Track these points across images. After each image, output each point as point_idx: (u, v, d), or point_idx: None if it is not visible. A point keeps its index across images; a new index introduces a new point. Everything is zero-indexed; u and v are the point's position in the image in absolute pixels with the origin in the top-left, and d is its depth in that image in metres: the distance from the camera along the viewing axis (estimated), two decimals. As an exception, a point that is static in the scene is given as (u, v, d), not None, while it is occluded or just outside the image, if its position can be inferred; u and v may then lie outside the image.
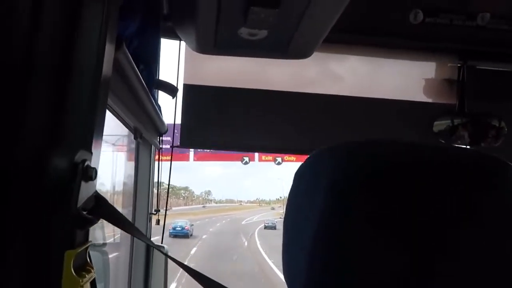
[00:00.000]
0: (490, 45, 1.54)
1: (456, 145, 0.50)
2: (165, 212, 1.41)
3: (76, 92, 0.46)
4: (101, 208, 0.47)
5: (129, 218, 1.33)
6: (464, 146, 0.45)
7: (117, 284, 1.32)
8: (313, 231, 0.46)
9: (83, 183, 0.43)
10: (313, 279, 0.46)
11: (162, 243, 1.37)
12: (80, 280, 0.43)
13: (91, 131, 0.47)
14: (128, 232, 0.55)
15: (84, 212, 0.44)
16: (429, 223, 0.45)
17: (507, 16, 1.46)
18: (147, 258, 1.31)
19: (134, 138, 1.04)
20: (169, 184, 1.42)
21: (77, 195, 0.42)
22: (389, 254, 0.44)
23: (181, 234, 22.89)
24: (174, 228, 22.79)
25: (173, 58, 1.50)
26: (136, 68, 0.75)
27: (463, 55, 1.59)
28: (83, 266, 0.45)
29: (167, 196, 1.47)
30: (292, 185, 0.53)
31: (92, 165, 0.46)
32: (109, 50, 0.51)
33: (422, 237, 0.44)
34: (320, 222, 0.45)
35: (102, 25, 0.49)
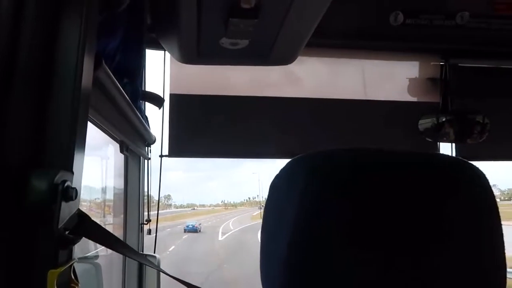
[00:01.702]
0: (470, 43, 1.57)
1: (422, 152, 0.52)
2: (157, 222, 1.42)
3: (55, 113, 0.47)
4: (84, 226, 0.48)
5: (121, 229, 1.34)
6: (432, 153, 0.47)
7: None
8: (287, 239, 0.47)
9: (63, 203, 0.43)
10: (288, 285, 0.47)
11: (154, 252, 1.38)
12: None
13: (72, 151, 0.48)
14: (113, 249, 0.56)
15: (67, 232, 0.45)
16: (399, 226, 0.46)
17: (485, 14, 1.50)
18: (140, 267, 1.32)
19: (121, 152, 1.05)
20: (159, 194, 1.43)
21: (58, 216, 0.42)
22: (363, 258, 0.45)
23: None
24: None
25: (161, 69, 1.51)
26: (118, 83, 0.76)
27: (445, 54, 1.62)
28: (67, 284, 0.46)
29: (158, 207, 1.48)
30: (268, 195, 0.54)
31: (74, 184, 0.47)
32: (87, 68, 0.51)
33: (393, 240, 0.46)
34: (294, 229, 0.47)
35: (79, 44, 0.50)
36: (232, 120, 1.51)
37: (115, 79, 0.71)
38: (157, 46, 1.29)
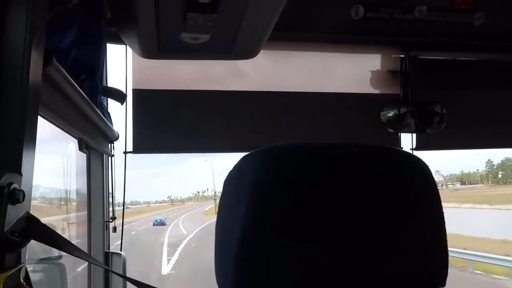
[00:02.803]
0: (429, 36, 1.62)
1: (364, 144, 0.54)
2: (122, 220, 1.40)
3: (1, 114, 0.46)
4: (32, 229, 0.47)
5: (85, 227, 1.31)
6: (372, 145, 0.49)
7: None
8: (239, 234, 0.48)
9: (10, 206, 0.43)
10: (241, 281, 0.48)
11: (121, 250, 1.36)
12: None
13: (20, 152, 0.47)
14: (64, 251, 0.55)
15: (15, 235, 0.44)
16: (346, 219, 0.48)
17: (442, 8, 1.55)
18: (106, 265, 1.30)
19: (80, 149, 1.02)
20: (124, 191, 1.41)
21: (3, 219, 0.42)
22: (311, 251, 0.47)
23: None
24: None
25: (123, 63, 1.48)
26: (74, 80, 0.74)
27: (405, 47, 1.67)
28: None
29: (123, 204, 1.46)
30: (222, 191, 0.55)
31: (23, 186, 0.46)
32: (35, 66, 0.50)
33: (341, 232, 0.48)
34: (245, 224, 0.48)
35: (25, 42, 0.49)
36: (196, 114, 1.50)
37: (68, 76, 0.70)
38: (118, 40, 1.26)
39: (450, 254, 0.54)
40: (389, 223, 0.49)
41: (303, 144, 0.52)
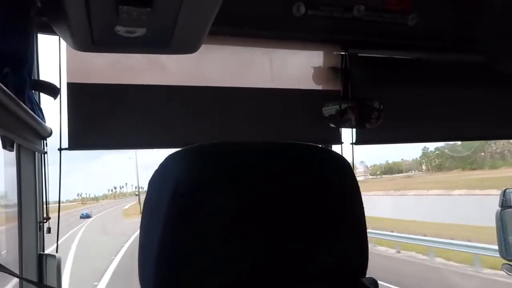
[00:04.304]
0: (367, 35, 1.69)
1: (288, 142, 0.56)
2: (58, 220, 1.34)
3: None
4: None
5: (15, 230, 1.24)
6: (296, 142, 0.52)
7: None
8: (159, 234, 0.48)
9: None
10: (162, 281, 0.48)
11: (57, 251, 1.30)
12: None
13: None
14: None
15: None
16: (264, 216, 0.50)
17: (379, 8, 1.62)
18: (39, 266, 1.24)
19: (3, 147, 0.96)
20: (59, 190, 1.34)
21: None
22: (232, 249, 0.48)
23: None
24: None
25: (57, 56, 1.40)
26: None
27: (345, 44, 1.72)
28: None
29: (59, 203, 1.40)
30: (147, 191, 0.55)
31: None
32: None
33: (259, 229, 0.49)
34: (166, 224, 0.48)
35: None
36: (136, 110, 1.46)
37: None
38: (50, 31, 1.20)
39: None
40: (311, 218, 0.51)
41: (226, 143, 0.53)
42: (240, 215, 0.49)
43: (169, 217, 0.47)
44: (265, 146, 0.54)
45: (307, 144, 0.56)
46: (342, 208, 0.54)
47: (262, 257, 0.49)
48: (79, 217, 31.27)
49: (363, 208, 0.56)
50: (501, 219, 1.90)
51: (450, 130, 1.96)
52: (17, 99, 0.84)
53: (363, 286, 0.55)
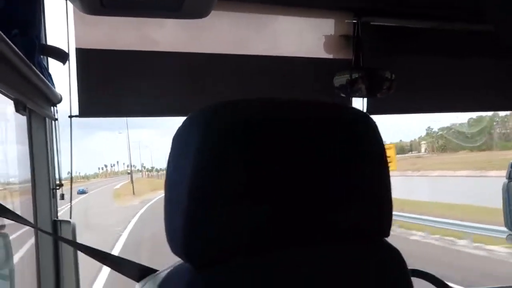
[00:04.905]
0: (380, 2, 1.64)
1: (323, 103, 0.56)
2: (71, 186, 1.35)
3: None
4: None
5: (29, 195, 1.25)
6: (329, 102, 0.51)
7: (24, 265, 1.26)
8: (187, 189, 0.49)
9: None
10: (190, 234, 0.49)
11: (70, 217, 1.32)
12: None
13: None
14: (10, 219, 0.53)
15: None
16: (293, 178, 0.49)
17: None
18: (54, 234, 1.26)
19: (16, 111, 0.95)
20: (71, 157, 1.34)
21: None
22: (256, 210, 0.48)
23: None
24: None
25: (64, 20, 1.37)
26: (3, 34, 0.68)
27: (358, 12, 1.68)
28: None
29: (71, 169, 1.40)
30: (170, 149, 0.55)
31: None
32: None
33: (285, 188, 0.49)
34: (191, 184, 0.48)
35: None
36: (146, 77, 1.44)
37: None
38: None
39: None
40: (337, 180, 0.51)
41: (249, 101, 0.52)
42: (266, 173, 0.48)
43: (195, 176, 0.48)
44: (291, 103, 0.54)
45: (334, 103, 0.55)
46: (368, 167, 0.53)
47: (286, 217, 0.49)
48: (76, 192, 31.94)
49: (388, 168, 0.55)
50: (507, 191, 1.91)
51: (462, 101, 1.93)
52: (28, 61, 0.83)
53: (387, 246, 0.56)
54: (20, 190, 1.35)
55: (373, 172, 0.54)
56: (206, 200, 0.48)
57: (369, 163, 0.54)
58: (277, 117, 0.51)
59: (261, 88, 1.58)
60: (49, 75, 1.19)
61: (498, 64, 1.86)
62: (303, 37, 1.68)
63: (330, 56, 1.73)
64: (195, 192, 0.48)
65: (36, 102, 1.06)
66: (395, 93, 1.71)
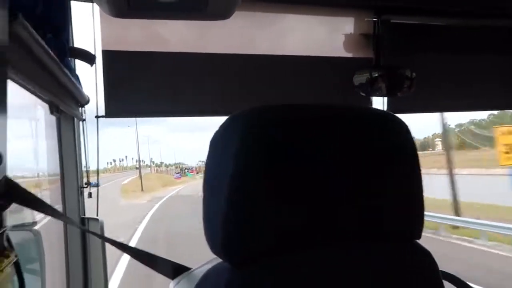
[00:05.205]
0: (402, 0, 1.63)
1: (353, 106, 0.57)
2: (97, 185, 1.38)
3: None
4: (11, 192, 0.46)
5: (59, 194, 1.29)
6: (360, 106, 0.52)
7: (53, 260, 1.29)
8: (226, 193, 0.50)
9: None
10: (229, 234, 0.50)
11: (97, 215, 1.35)
12: None
13: None
14: (44, 213, 0.55)
15: None
16: (325, 178, 0.50)
17: None
18: (83, 232, 1.29)
19: (51, 113, 0.99)
20: (98, 156, 1.38)
21: None
22: (296, 212, 0.49)
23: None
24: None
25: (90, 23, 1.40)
26: (41, 39, 0.70)
27: (378, 10, 1.67)
28: (1, 252, 0.45)
29: (98, 169, 1.44)
30: (208, 151, 0.56)
31: None
32: (1, 23, 0.48)
33: (320, 191, 0.50)
34: (231, 187, 0.50)
35: None
36: (172, 77, 1.46)
37: (36, 34, 0.66)
38: None
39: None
40: (370, 182, 0.52)
41: (287, 106, 0.53)
42: (303, 175, 0.49)
43: (234, 179, 0.49)
44: (325, 108, 0.55)
45: (365, 107, 0.56)
46: (400, 169, 0.54)
47: (320, 219, 0.50)
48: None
49: (420, 170, 0.56)
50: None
51: (484, 99, 1.90)
52: (61, 64, 0.86)
53: (419, 248, 0.56)
54: (50, 187, 1.39)
55: (405, 174, 0.55)
56: (245, 201, 0.49)
57: (402, 165, 0.55)
58: (313, 120, 0.52)
59: (284, 87, 1.59)
60: (77, 77, 1.22)
61: None
62: (323, 36, 1.68)
63: (350, 55, 1.73)
64: (234, 194, 0.49)
65: (66, 104, 1.09)
66: (416, 92, 1.69)
